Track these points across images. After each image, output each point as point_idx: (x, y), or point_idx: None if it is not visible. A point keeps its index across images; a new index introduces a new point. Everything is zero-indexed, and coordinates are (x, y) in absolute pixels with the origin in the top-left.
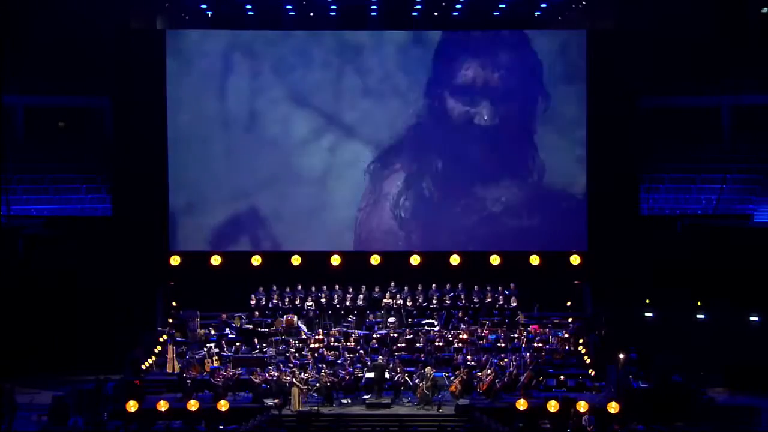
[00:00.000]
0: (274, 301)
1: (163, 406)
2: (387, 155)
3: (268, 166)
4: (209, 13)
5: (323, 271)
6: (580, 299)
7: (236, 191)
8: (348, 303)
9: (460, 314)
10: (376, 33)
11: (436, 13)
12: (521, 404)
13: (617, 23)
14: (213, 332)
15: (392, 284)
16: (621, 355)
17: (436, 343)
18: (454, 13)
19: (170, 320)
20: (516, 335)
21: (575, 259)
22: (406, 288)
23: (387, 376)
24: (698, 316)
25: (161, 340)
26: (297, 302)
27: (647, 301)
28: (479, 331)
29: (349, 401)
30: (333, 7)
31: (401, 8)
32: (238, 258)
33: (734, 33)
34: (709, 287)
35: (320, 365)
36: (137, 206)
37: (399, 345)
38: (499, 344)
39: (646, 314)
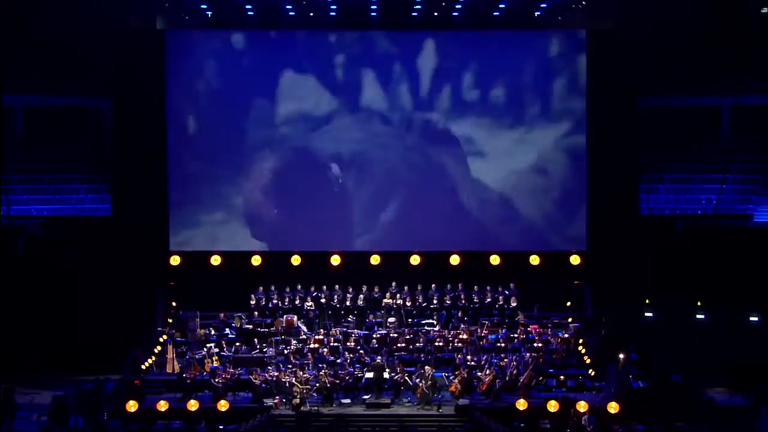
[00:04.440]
0: (274, 301)
1: (163, 406)
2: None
3: (269, 163)
4: (209, 13)
5: (323, 271)
6: (580, 299)
7: (236, 190)
8: (348, 303)
9: (460, 314)
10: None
11: (436, 13)
12: (521, 404)
13: (617, 23)
14: (213, 332)
15: (392, 284)
16: (621, 355)
17: (436, 343)
18: (454, 13)
19: (170, 320)
20: (516, 335)
21: (575, 259)
22: (406, 288)
23: (386, 376)
24: (698, 316)
25: (161, 340)
26: (297, 302)
27: (647, 301)
28: (479, 331)
29: (349, 401)
30: (333, 7)
31: (401, 8)
32: (238, 258)
33: (734, 33)
34: (709, 287)
35: (320, 365)
36: (137, 206)
37: (399, 345)
38: (499, 344)
39: (646, 314)
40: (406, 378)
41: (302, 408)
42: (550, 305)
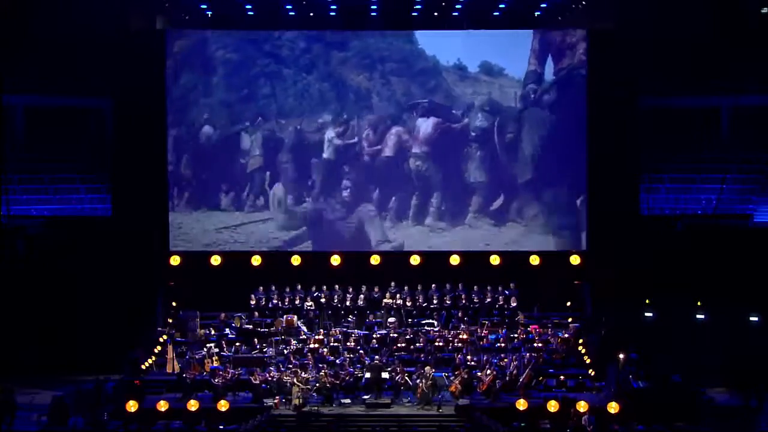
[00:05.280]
0: (274, 301)
1: (163, 406)
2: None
3: (268, 164)
4: (209, 13)
5: (323, 271)
6: (580, 299)
7: (237, 190)
8: (348, 303)
9: (460, 314)
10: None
11: (436, 13)
12: (521, 404)
13: (617, 23)
14: (213, 332)
15: (392, 284)
16: (621, 355)
17: (436, 343)
18: (454, 13)
19: (170, 320)
20: (516, 335)
21: (575, 259)
22: (406, 288)
23: (386, 376)
24: (698, 316)
25: (161, 340)
26: (297, 302)
27: (647, 301)
28: (479, 331)
29: (349, 401)
30: (333, 7)
31: (401, 8)
32: (238, 258)
33: (734, 33)
34: (709, 287)
35: (320, 365)
36: (137, 206)
37: (399, 345)
38: (499, 344)
39: (646, 314)
40: (406, 378)
41: (304, 408)
42: (550, 305)
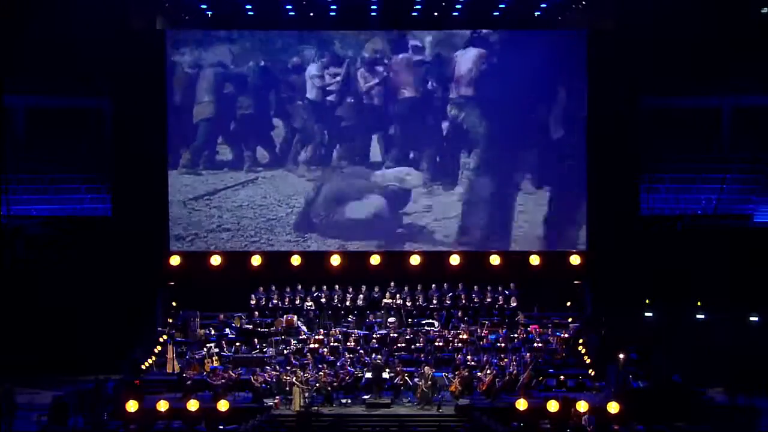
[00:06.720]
0: (274, 301)
1: (163, 406)
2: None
3: (269, 164)
4: (209, 13)
5: (323, 271)
6: (580, 299)
7: (237, 190)
8: (348, 303)
9: (460, 314)
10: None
11: (436, 13)
12: (521, 404)
13: (617, 23)
14: (213, 332)
15: (392, 284)
16: (621, 355)
17: (436, 343)
18: (454, 13)
19: (170, 320)
20: (516, 335)
21: (575, 259)
22: (406, 288)
23: (386, 376)
24: (698, 316)
25: (161, 340)
26: (297, 302)
27: (647, 301)
28: (479, 331)
29: (349, 401)
30: (333, 7)
31: (401, 8)
32: (238, 258)
33: (734, 33)
34: (708, 287)
35: (320, 365)
36: (137, 206)
37: (399, 345)
38: (499, 344)
39: (646, 314)
40: (406, 378)
41: (310, 409)
42: (550, 305)
